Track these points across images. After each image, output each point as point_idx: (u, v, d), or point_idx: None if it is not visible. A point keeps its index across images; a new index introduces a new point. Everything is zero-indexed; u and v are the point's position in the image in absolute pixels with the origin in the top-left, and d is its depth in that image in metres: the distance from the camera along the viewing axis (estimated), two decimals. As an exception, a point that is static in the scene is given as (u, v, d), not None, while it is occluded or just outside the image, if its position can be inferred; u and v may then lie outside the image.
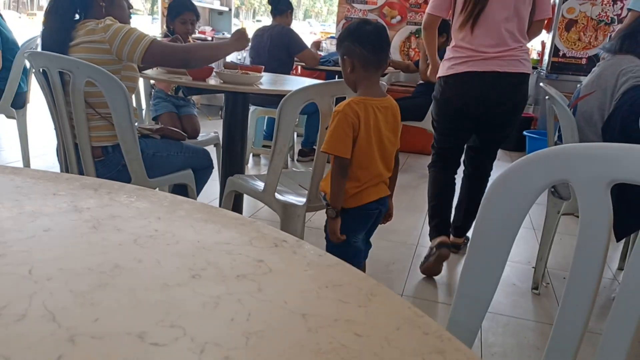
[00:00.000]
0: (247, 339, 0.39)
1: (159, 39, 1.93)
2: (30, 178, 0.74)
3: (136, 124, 1.99)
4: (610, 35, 4.59)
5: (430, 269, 2.41)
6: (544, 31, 5.11)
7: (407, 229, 3.00)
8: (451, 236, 2.61)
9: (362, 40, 1.61)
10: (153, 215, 0.64)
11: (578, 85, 2.44)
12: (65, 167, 2.01)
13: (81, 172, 1.95)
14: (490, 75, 2.30)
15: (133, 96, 2.08)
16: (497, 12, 2.28)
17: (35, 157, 3.59)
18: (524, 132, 4.69)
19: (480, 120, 2.44)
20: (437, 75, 2.51)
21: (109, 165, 1.93)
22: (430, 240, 2.49)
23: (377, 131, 1.65)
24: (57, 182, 0.73)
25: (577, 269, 0.83)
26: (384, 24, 1.78)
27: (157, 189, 2.86)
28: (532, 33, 2.45)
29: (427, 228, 2.58)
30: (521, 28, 2.33)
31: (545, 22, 2.51)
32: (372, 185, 1.70)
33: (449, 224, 2.58)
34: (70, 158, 1.96)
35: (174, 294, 0.46)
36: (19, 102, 3.20)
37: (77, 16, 1.92)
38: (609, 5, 4.73)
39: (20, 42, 3.18)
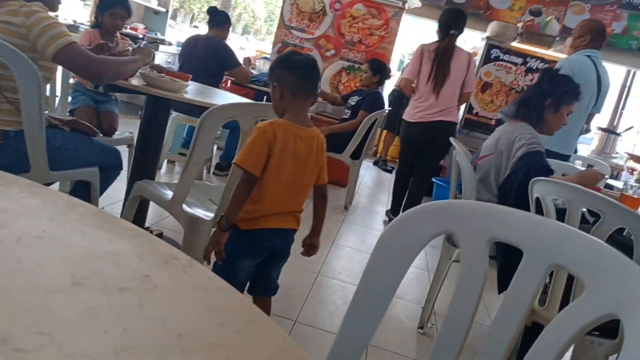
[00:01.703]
0: (117, 354, 0.40)
1: (83, 29, 1.84)
2: None
3: (46, 112, 1.90)
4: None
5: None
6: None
7: (313, 257, 3.04)
8: None
9: (293, 69, 1.65)
10: (44, 215, 0.63)
11: (481, 144, 2.65)
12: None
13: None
14: (438, 121, 3.74)
15: (48, 85, 1.99)
16: (448, 90, 3.70)
17: None
18: (433, 179, 4.94)
19: (425, 145, 3.83)
20: (404, 117, 3.91)
21: (7, 151, 1.82)
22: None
23: (295, 159, 1.65)
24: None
25: (452, 313, 0.90)
26: (314, 58, 1.82)
27: (58, 183, 2.73)
28: (462, 101, 3.89)
29: (330, 258, 2.66)
30: (457, 96, 3.79)
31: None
32: (274, 214, 1.67)
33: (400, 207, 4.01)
34: (-33, 137, 1.83)
35: (51, 300, 0.45)
36: None
37: None
38: (521, 76, 5.17)
39: None
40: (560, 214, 1.87)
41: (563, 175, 2.66)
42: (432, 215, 0.96)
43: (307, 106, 1.71)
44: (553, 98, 2.44)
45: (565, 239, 0.83)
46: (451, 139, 2.56)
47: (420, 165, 3.93)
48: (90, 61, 1.80)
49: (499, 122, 2.71)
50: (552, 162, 2.46)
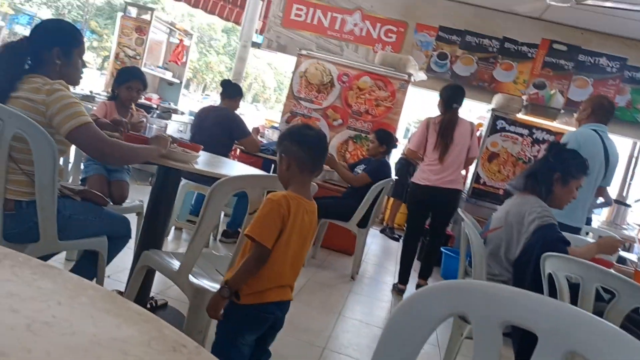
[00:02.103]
0: None
1: (95, 112, 1.89)
2: None
3: (59, 182, 1.93)
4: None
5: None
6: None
7: (318, 329, 2.97)
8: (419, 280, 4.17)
9: (301, 143, 1.66)
10: (54, 299, 0.63)
11: (490, 216, 2.64)
12: (-30, 215, 1.89)
13: (-14, 222, 1.84)
14: (444, 188, 3.98)
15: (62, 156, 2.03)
16: (453, 157, 3.97)
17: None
18: (441, 249, 4.90)
19: (432, 209, 4.15)
20: (413, 180, 4.16)
21: (20, 221, 1.83)
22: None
23: (300, 232, 1.64)
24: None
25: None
26: (324, 134, 1.85)
27: (66, 252, 2.73)
28: (467, 165, 4.18)
29: (337, 331, 2.60)
30: (463, 163, 4.05)
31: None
32: (276, 286, 1.64)
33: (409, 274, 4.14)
34: (-22, 206, 1.85)
35: (57, 394, 0.44)
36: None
37: (26, 65, 1.88)
38: (528, 147, 5.23)
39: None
40: (575, 289, 1.83)
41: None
42: (444, 295, 0.94)
43: (311, 179, 1.73)
44: (561, 172, 2.45)
45: (581, 325, 0.81)
46: (459, 211, 2.56)
47: (432, 229, 4.26)
48: (102, 143, 1.82)
49: (507, 192, 2.72)
50: (566, 236, 2.44)
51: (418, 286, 4.10)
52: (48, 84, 1.79)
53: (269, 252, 1.57)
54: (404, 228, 6.57)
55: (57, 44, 1.90)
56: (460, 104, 3.99)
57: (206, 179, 3.15)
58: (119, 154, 1.89)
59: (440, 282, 0.94)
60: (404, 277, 4.11)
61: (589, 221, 4.21)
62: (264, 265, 1.59)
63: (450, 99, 3.96)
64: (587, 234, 3.69)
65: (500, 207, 2.68)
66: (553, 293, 1.91)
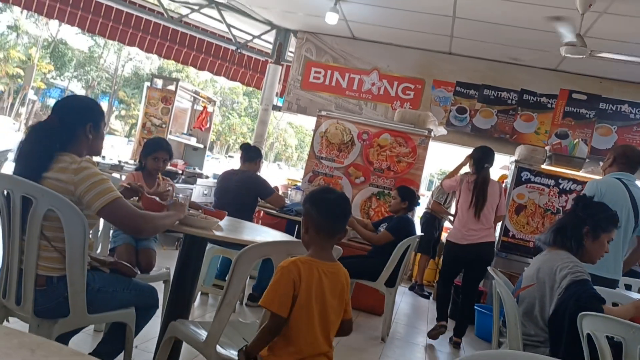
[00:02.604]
0: None
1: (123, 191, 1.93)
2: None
3: (89, 253, 1.96)
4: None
5: (433, 335, 4.27)
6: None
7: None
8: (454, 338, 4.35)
9: (320, 207, 1.68)
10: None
11: (521, 274, 2.57)
12: (3, 291, 1.92)
13: (19, 298, 1.87)
14: (483, 243, 4.23)
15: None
16: (487, 215, 4.23)
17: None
18: (475, 306, 4.76)
19: (469, 264, 4.28)
20: (449, 239, 4.37)
21: (50, 297, 1.85)
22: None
23: (321, 296, 1.62)
24: (-8, 337, 0.71)
25: None
26: (346, 198, 1.86)
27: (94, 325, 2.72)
28: (495, 222, 4.41)
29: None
30: (493, 219, 4.32)
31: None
32: (310, 356, 1.61)
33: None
34: (11, 282, 1.88)
35: None
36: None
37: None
38: (555, 197, 5.15)
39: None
40: (616, 348, 1.75)
41: (614, 304, 2.53)
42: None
43: (332, 243, 1.72)
44: (591, 226, 2.39)
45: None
46: (489, 269, 2.51)
47: (466, 286, 4.40)
48: (132, 215, 1.88)
49: (537, 247, 2.66)
50: (602, 291, 2.35)
51: (455, 344, 4.31)
52: (75, 163, 1.84)
53: (284, 319, 1.58)
54: (434, 284, 6.44)
55: (90, 120, 1.98)
56: (491, 164, 4.31)
57: (231, 242, 3.17)
58: (147, 225, 1.94)
59: (477, 354, 0.92)
60: (442, 315, 4.33)
61: (636, 274, 4.07)
62: (281, 332, 1.59)
63: (482, 160, 4.27)
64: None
65: (530, 263, 2.62)
66: (593, 352, 1.83)
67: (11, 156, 3.09)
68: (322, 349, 1.65)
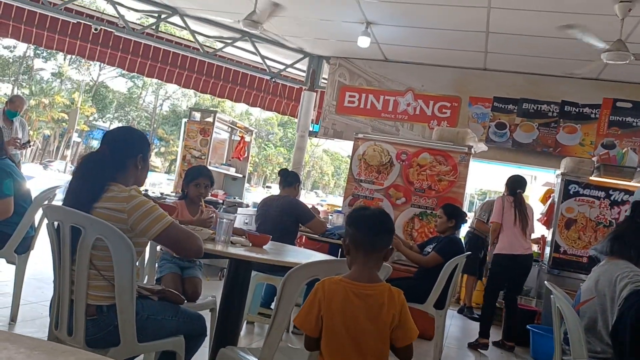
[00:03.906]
0: None
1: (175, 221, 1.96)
2: (25, 348, 0.70)
3: (137, 282, 1.96)
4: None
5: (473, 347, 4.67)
6: (544, 227, 5.27)
7: None
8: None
9: (357, 223, 1.66)
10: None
11: (579, 288, 2.45)
12: (55, 322, 1.94)
13: (71, 328, 1.88)
14: (528, 255, 4.76)
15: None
16: (528, 227, 4.76)
17: (25, 304, 3.48)
18: (528, 327, 4.56)
19: (516, 274, 4.73)
20: (500, 252, 4.73)
21: (101, 325, 1.85)
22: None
23: (352, 319, 1.56)
24: (52, 356, 0.69)
25: None
26: (382, 212, 1.81)
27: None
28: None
29: None
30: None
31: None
32: None
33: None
34: (63, 313, 1.90)
35: None
36: (24, 246, 3.20)
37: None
38: (607, 209, 4.93)
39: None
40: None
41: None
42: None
43: (373, 260, 1.64)
44: (650, 232, 2.28)
45: None
46: (547, 283, 2.40)
47: (512, 297, 4.77)
48: (189, 237, 1.94)
49: (592, 260, 2.54)
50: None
51: (511, 347, 4.72)
52: (124, 191, 1.88)
53: (314, 339, 1.59)
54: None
55: (140, 152, 2.03)
56: (523, 189, 4.90)
57: (276, 268, 3.14)
58: (198, 244, 1.98)
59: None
60: (488, 331, 4.66)
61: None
62: (317, 352, 1.61)
63: (515, 186, 4.83)
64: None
65: (587, 276, 2.49)
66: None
67: (59, 195, 3.17)
68: None
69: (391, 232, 1.71)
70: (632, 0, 3.97)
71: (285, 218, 4.17)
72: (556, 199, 5.10)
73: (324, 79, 7.23)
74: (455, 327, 5.62)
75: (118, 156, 1.98)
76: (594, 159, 5.31)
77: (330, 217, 5.70)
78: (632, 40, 4.57)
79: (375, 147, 5.43)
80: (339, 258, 3.73)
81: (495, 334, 4.88)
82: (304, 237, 5.17)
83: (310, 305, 1.57)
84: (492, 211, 5.84)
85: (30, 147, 6.78)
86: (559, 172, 5.28)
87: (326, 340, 1.56)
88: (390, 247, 1.68)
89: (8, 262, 3.21)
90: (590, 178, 5.03)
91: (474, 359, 4.34)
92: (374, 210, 1.74)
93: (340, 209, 6.15)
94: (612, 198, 4.93)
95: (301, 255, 2.79)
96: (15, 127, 5.88)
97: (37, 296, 3.83)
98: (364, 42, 5.49)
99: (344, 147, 7.05)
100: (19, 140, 5.70)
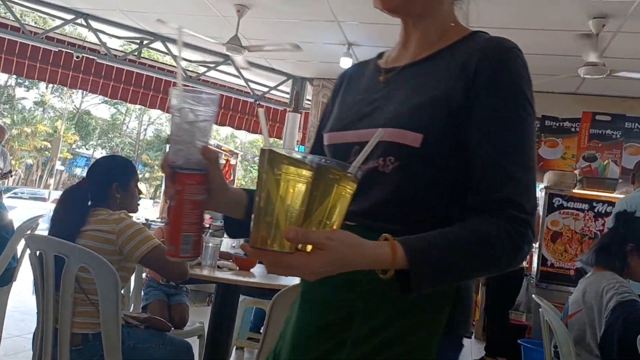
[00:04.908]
0: None
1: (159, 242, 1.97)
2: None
3: (122, 311, 1.93)
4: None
5: None
6: (531, 240, 5.32)
7: None
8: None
9: None
10: None
11: (567, 300, 2.47)
12: (39, 354, 1.89)
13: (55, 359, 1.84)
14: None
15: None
16: None
17: (7, 337, 3.40)
18: (519, 341, 4.55)
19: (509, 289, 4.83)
20: None
21: (86, 355, 1.82)
22: None
23: None
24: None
25: None
26: None
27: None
28: None
29: None
30: None
31: None
32: None
33: None
34: (47, 344, 1.85)
35: None
36: (6, 278, 3.13)
37: (89, 202, 2.01)
38: (591, 221, 4.98)
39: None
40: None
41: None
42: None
43: None
44: (635, 242, 2.30)
45: None
46: (535, 297, 2.41)
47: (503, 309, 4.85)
48: (174, 262, 1.91)
49: (579, 272, 2.56)
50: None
51: None
52: (114, 214, 1.94)
53: None
54: (473, 322, 6.22)
55: (115, 180, 2.06)
56: None
57: (264, 292, 3.11)
58: (184, 267, 1.98)
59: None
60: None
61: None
62: None
63: None
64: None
65: (575, 288, 2.51)
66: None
67: (42, 224, 3.14)
68: None
69: None
70: (606, 17, 4.08)
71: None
72: (541, 213, 5.14)
73: (307, 100, 7.28)
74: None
75: (97, 185, 2.03)
76: (576, 172, 5.38)
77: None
78: (607, 55, 4.68)
79: (360, 166, 5.45)
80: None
81: (477, 351, 4.88)
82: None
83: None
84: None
85: (11, 176, 6.69)
86: (542, 185, 5.34)
87: None
88: None
89: (-10, 292, 3.14)
90: (574, 191, 5.08)
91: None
92: None
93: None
94: (595, 210, 4.99)
95: (291, 277, 2.76)
96: (-4, 157, 5.82)
97: (19, 329, 3.75)
98: (346, 62, 5.55)
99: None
100: (0, 170, 5.63)
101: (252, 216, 0.71)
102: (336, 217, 0.72)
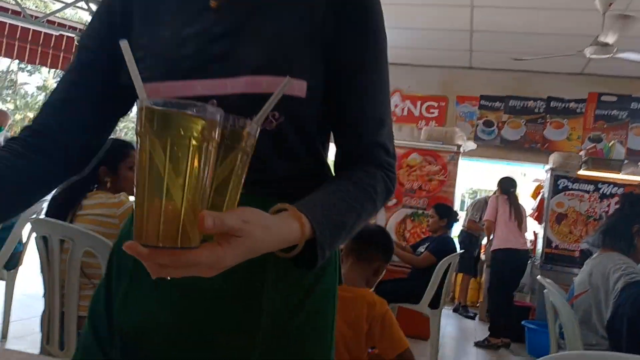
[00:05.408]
0: None
1: None
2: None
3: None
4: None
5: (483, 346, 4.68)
6: (535, 222, 5.29)
7: None
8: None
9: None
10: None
11: (572, 282, 2.46)
12: (47, 337, 1.91)
13: (62, 342, 1.85)
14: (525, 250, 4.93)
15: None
16: (523, 224, 4.90)
17: (16, 321, 3.43)
18: (523, 322, 4.57)
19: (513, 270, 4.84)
20: (500, 247, 4.78)
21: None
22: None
23: None
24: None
25: None
26: (382, 230, 1.88)
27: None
28: None
29: None
30: None
31: None
32: None
33: None
34: (54, 327, 1.87)
35: None
36: (12, 262, 3.16)
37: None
38: (596, 202, 4.96)
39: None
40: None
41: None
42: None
43: (359, 270, 1.70)
44: None
45: None
46: (539, 278, 2.40)
47: (509, 294, 4.85)
48: None
49: (584, 253, 2.55)
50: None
51: (506, 344, 4.66)
52: (112, 198, 1.90)
53: None
54: (477, 305, 6.25)
55: (104, 163, 2.01)
56: (515, 188, 5.05)
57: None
58: None
59: (552, 356, 0.85)
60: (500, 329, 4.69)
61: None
62: None
63: (508, 185, 5.02)
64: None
65: (581, 269, 2.50)
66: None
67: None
68: None
69: (382, 249, 1.73)
70: (613, -5, 4.01)
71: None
72: (546, 194, 5.13)
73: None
74: (451, 326, 5.62)
75: (91, 169, 1.99)
76: (582, 153, 5.35)
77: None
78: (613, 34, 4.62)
79: (364, 149, 5.42)
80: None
81: (482, 332, 4.90)
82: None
83: None
84: (484, 210, 5.88)
85: (16, 161, 6.67)
86: (547, 167, 5.31)
87: None
88: (383, 263, 1.70)
89: (-4, 277, 3.17)
90: (579, 172, 5.06)
91: (470, 358, 4.34)
92: (370, 226, 1.80)
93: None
94: (601, 191, 4.96)
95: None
96: (0, 142, 5.83)
97: (27, 312, 3.78)
98: None
99: (332, 149, 6.97)
100: (4, 155, 5.64)
101: (135, 202, 0.53)
102: (236, 190, 0.60)
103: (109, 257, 0.86)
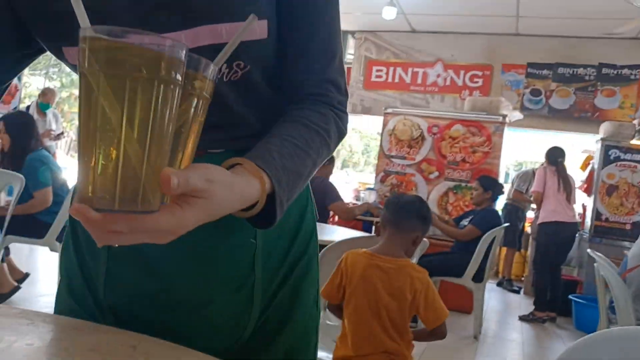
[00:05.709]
0: None
1: None
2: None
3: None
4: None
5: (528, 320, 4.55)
6: (584, 194, 5.12)
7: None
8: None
9: (387, 205, 1.80)
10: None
11: (625, 254, 2.37)
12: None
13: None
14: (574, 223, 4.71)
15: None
16: (572, 195, 4.67)
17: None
18: (570, 296, 4.46)
19: (561, 244, 4.64)
20: (546, 220, 4.63)
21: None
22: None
23: (372, 290, 1.58)
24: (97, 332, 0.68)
25: None
26: (420, 199, 1.92)
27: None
28: None
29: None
30: None
31: None
32: (370, 353, 1.55)
33: None
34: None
35: None
36: (63, 236, 3.28)
37: None
38: (650, 173, 4.75)
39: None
40: None
41: None
42: (613, 343, 0.80)
43: (397, 240, 1.68)
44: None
45: None
46: (589, 251, 2.32)
47: (555, 264, 4.66)
48: None
49: (636, 226, 2.44)
50: None
51: (552, 318, 4.50)
52: None
53: (334, 306, 1.68)
54: (522, 278, 6.14)
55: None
56: (564, 159, 4.76)
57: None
58: None
59: (604, 331, 0.81)
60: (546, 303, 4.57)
61: None
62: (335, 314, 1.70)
63: (556, 156, 4.73)
64: None
65: (635, 242, 2.40)
66: None
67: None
68: (385, 346, 1.57)
69: (420, 219, 1.71)
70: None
71: (317, 197, 4.14)
72: (596, 166, 4.93)
73: (349, 54, 7.13)
74: (495, 300, 5.54)
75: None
76: (635, 122, 5.10)
77: (362, 194, 5.66)
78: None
79: (405, 121, 5.33)
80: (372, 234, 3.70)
81: (527, 306, 4.81)
82: (336, 217, 5.16)
83: (334, 275, 1.64)
84: (531, 181, 5.72)
85: (64, 138, 6.92)
86: (598, 137, 5.10)
87: (348, 311, 1.60)
88: (421, 233, 1.68)
89: (51, 250, 3.30)
90: (632, 142, 4.83)
91: (514, 331, 4.28)
92: (407, 196, 1.87)
93: (372, 186, 6.11)
94: (655, 162, 4.74)
95: (334, 233, 2.77)
96: (48, 119, 6.01)
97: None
98: (389, 13, 5.37)
99: (373, 123, 6.94)
100: (53, 132, 5.83)
101: (80, 158, 0.44)
102: (193, 143, 0.52)
103: (69, 223, 0.84)
